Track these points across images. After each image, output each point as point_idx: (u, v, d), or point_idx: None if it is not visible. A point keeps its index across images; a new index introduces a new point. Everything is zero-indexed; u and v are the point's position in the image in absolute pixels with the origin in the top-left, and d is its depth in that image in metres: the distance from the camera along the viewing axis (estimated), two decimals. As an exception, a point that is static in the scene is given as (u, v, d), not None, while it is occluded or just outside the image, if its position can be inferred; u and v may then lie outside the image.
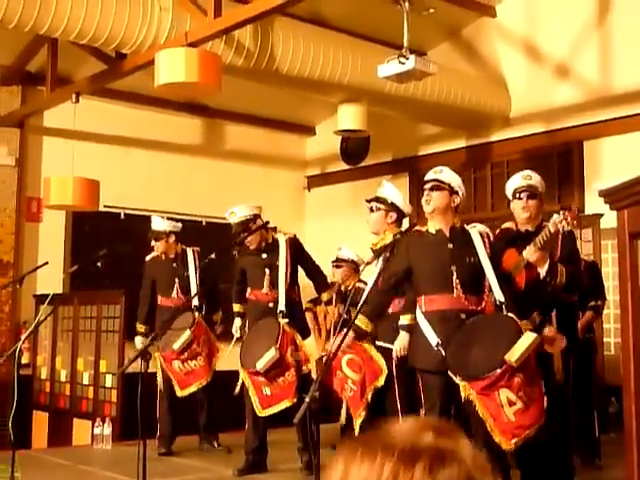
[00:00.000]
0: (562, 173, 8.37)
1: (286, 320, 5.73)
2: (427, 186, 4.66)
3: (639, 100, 7.64)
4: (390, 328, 5.01)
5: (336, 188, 10.43)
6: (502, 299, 4.38)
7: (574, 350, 4.96)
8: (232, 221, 6.10)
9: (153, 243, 6.88)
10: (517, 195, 5.01)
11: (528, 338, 4.10)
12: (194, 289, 6.60)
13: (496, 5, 8.79)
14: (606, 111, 7.92)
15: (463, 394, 4.16)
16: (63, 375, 8.03)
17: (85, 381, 7.72)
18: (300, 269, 6.14)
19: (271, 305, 5.91)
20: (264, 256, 6.04)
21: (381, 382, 5.09)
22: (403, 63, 5.82)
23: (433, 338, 4.39)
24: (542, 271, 4.70)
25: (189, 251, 6.86)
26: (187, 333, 6.32)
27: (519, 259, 4.75)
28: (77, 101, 7.56)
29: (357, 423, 5.07)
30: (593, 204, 7.35)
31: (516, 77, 8.77)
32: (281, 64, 7.03)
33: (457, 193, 4.63)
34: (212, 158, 10.03)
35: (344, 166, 10.51)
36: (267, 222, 6.07)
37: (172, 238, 6.84)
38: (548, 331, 4.60)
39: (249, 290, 6.14)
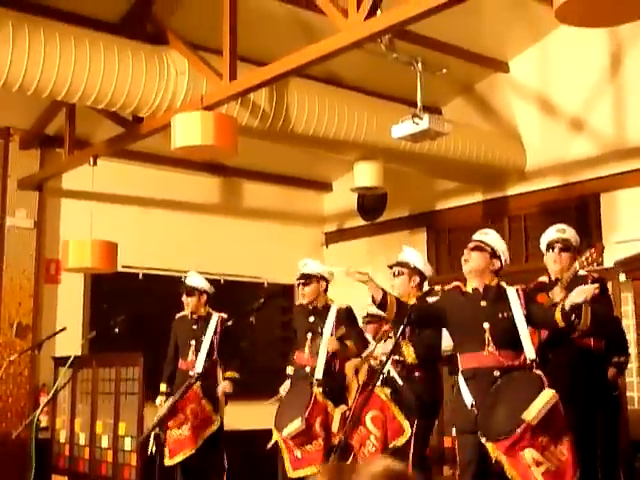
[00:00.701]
0: (579, 226, 8.23)
1: (320, 389, 5.68)
2: (470, 245, 4.71)
3: (654, 153, 7.64)
4: None
5: (354, 244, 10.44)
6: (533, 356, 4.38)
7: (602, 405, 4.93)
8: (302, 271, 6.07)
9: (184, 298, 6.80)
10: (551, 248, 5.10)
11: (546, 395, 4.08)
12: (202, 356, 6.51)
13: (509, 61, 8.86)
14: (622, 164, 7.92)
15: (492, 455, 4.16)
16: (82, 438, 7.98)
17: (104, 444, 7.67)
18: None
19: (308, 370, 5.87)
20: (311, 319, 6.02)
21: (402, 442, 5.07)
22: (417, 123, 5.86)
23: (468, 398, 4.40)
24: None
25: (214, 315, 6.74)
26: (169, 401, 6.24)
27: (547, 300, 4.81)
28: (95, 164, 7.63)
29: None
30: (612, 257, 7.31)
31: (531, 131, 8.80)
32: (296, 124, 7.09)
33: (499, 257, 4.66)
34: (230, 216, 10.07)
35: (361, 222, 10.53)
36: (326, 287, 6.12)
37: (204, 298, 6.80)
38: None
39: (295, 352, 6.12)
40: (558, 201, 8.44)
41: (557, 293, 4.79)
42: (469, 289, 4.64)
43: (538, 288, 5.16)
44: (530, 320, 4.48)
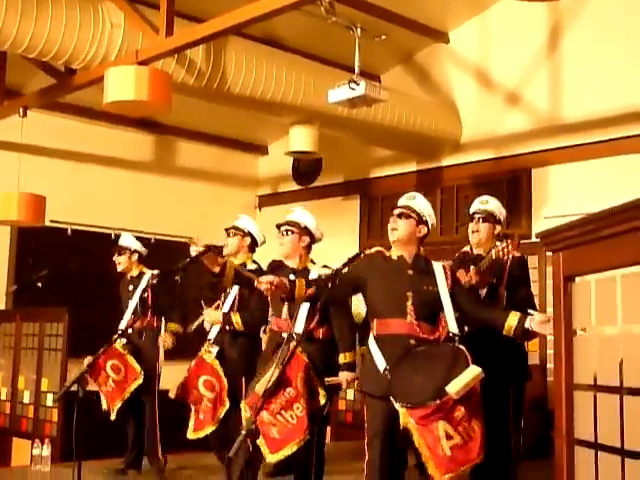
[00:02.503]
0: (510, 199, 8.43)
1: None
2: (395, 212, 4.53)
3: (587, 130, 7.75)
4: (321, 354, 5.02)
5: (287, 208, 10.36)
6: (456, 330, 4.32)
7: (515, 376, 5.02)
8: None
9: (115, 257, 6.66)
10: (471, 218, 5.13)
11: (472, 372, 4.05)
12: (127, 314, 6.42)
13: (449, 32, 8.88)
14: (554, 140, 8.03)
15: (402, 421, 4.10)
16: (3, 393, 7.87)
17: (26, 400, 7.57)
18: None
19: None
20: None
21: None
22: (353, 89, 5.83)
23: (381, 363, 4.33)
24: (482, 293, 4.81)
25: (147, 273, 6.61)
26: (88, 358, 5.94)
27: (465, 282, 4.83)
28: (25, 115, 7.46)
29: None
30: (540, 230, 7.43)
31: (467, 103, 8.85)
32: (233, 84, 7.00)
33: (425, 223, 4.51)
34: (163, 175, 9.96)
35: (295, 186, 10.52)
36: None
37: (135, 257, 6.67)
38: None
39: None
40: (491, 174, 8.53)
41: (472, 275, 4.76)
42: (394, 256, 4.53)
43: (460, 260, 5.17)
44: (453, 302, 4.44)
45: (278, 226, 5.35)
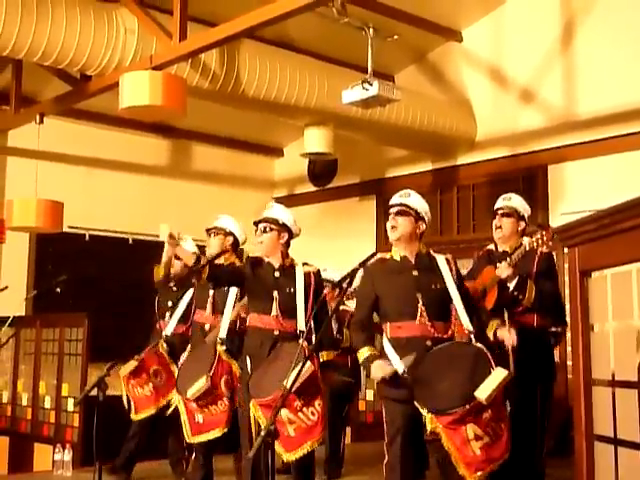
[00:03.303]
0: (527, 196, 8.27)
1: (224, 348, 5.44)
2: (393, 210, 4.53)
3: (602, 125, 7.72)
4: None
5: (303, 209, 10.41)
6: (470, 328, 4.30)
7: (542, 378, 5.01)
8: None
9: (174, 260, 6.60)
10: (494, 215, 5.13)
11: (499, 375, 4.02)
12: (175, 318, 6.33)
13: (462, 30, 8.87)
14: (570, 136, 8.00)
15: (429, 426, 4.07)
16: (25, 399, 7.92)
17: (47, 405, 7.61)
18: None
19: (207, 328, 5.74)
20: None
21: None
22: (367, 89, 5.84)
23: (399, 366, 4.34)
24: (510, 286, 4.81)
25: None
26: (132, 362, 6.14)
27: (494, 276, 4.84)
28: (41, 122, 7.51)
29: None
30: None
31: (482, 101, 8.84)
32: (247, 87, 7.03)
33: (423, 219, 4.51)
34: (179, 179, 10.00)
35: (312, 188, 10.54)
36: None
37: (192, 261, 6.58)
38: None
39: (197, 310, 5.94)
40: (507, 171, 8.51)
41: (504, 269, 4.80)
42: (397, 257, 4.52)
43: (486, 258, 5.18)
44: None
45: (256, 223, 5.25)
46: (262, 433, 3.01)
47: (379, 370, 4.32)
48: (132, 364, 6.13)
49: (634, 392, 2.13)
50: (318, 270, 5.32)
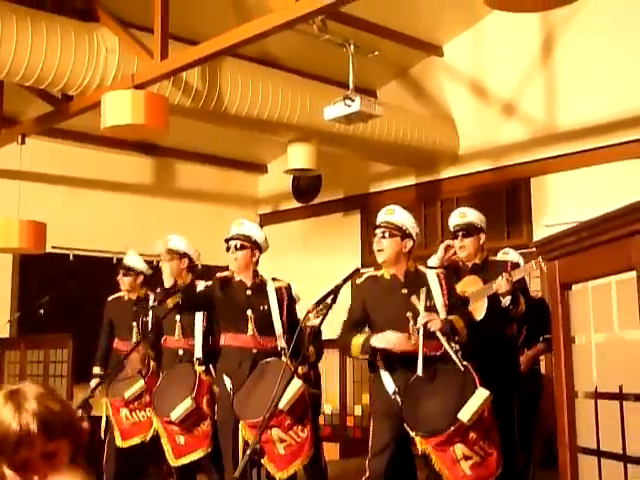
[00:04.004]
0: (510, 209, 8.47)
1: (202, 368, 5.44)
2: (378, 232, 4.49)
3: (583, 138, 7.77)
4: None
5: (288, 226, 10.44)
6: (456, 347, 4.27)
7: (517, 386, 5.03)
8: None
9: (120, 277, 6.54)
10: (454, 234, 5.10)
11: (480, 396, 4.04)
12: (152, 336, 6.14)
13: (443, 45, 8.91)
14: (552, 148, 8.06)
15: (420, 447, 4.09)
16: (10, 421, 7.86)
17: (32, 427, 7.55)
18: None
19: (181, 353, 5.68)
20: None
21: None
22: (349, 105, 5.86)
23: (390, 385, 4.30)
24: (505, 300, 4.81)
25: (151, 296, 6.31)
26: (140, 382, 5.98)
27: (484, 287, 4.83)
28: (23, 142, 7.50)
29: None
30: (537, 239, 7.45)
31: (463, 115, 8.88)
32: (229, 104, 7.04)
33: (410, 236, 4.47)
34: (163, 197, 9.98)
35: (296, 204, 10.54)
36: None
37: (140, 279, 6.55)
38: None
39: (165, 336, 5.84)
40: (489, 184, 8.55)
41: (504, 285, 4.76)
42: (386, 275, 4.49)
43: (457, 271, 5.13)
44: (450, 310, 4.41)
45: (227, 240, 5.23)
46: (248, 452, 3.00)
47: (389, 336, 4.25)
48: (141, 385, 5.99)
49: (616, 403, 2.14)
50: (289, 284, 5.32)
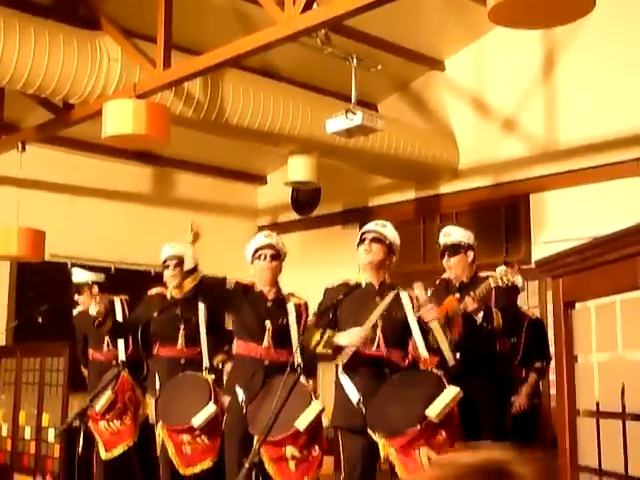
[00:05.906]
0: (509, 225, 8.47)
1: (212, 376, 5.49)
2: (369, 236, 4.52)
3: (583, 155, 7.78)
4: None
5: (287, 238, 10.36)
6: (426, 355, 4.28)
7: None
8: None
9: (76, 297, 6.57)
10: (441, 254, 5.09)
11: (450, 392, 4.01)
12: (121, 343, 6.22)
13: (445, 59, 8.93)
14: (551, 165, 8.06)
15: (382, 453, 4.02)
16: (4, 429, 7.82)
17: (27, 435, 7.52)
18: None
19: (183, 362, 5.71)
20: (178, 311, 5.86)
21: None
22: (351, 119, 5.86)
23: (354, 395, 4.28)
24: (478, 319, 4.77)
25: (116, 300, 6.46)
26: (107, 394, 5.94)
27: (457, 307, 4.81)
28: (23, 149, 7.48)
29: None
30: (540, 256, 7.43)
31: (464, 130, 8.88)
32: (231, 116, 7.04)
33: (394, 253, 4.56)
34: (162, 207, 9.96)
35: (295, 216, 10.53)
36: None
37: (95, 289, 6.53)
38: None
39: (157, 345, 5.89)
40: (489, 200, 8.55)
41: (469, 304, 4.73)
42: (362, 282, 4.52)
43: (443, 286, 5.13)
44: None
45: (259, 249, 5.19)
46: (246, 465, 2.98)
47: (353, 332, 4.26)
48: (108, 396, 5.98)
49: (618, 422, 2.13)
50: (306, 302, 5.32)
